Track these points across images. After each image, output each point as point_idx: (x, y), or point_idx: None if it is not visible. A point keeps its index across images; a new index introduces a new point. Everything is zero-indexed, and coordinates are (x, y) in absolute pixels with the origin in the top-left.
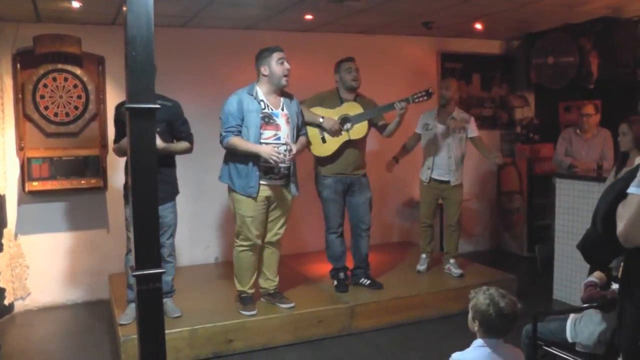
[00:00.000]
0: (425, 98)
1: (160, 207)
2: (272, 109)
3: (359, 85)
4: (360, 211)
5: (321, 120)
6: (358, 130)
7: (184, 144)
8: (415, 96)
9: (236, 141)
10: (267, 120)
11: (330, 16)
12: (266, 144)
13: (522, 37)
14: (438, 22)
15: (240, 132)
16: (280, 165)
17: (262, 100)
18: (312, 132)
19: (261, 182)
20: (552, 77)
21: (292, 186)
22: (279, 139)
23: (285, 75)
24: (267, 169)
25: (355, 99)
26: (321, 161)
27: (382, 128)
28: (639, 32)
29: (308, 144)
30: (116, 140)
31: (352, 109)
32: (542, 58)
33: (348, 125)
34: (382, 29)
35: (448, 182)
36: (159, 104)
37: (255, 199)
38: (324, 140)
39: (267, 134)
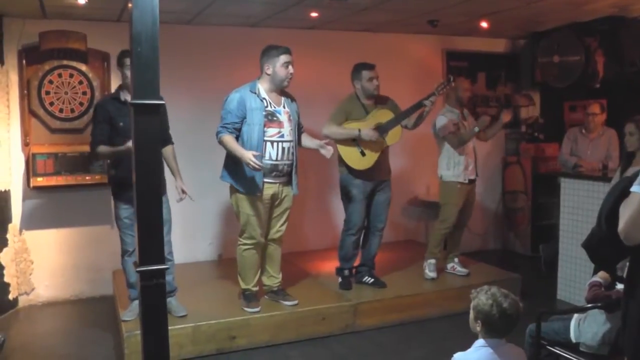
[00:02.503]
0: (448, 88)
1: None
2: (274, 107)
3: (378, 92)
4: (379, 210)
5: (358, 132)
6: (394, 136)
7: (171, 148)
8: (439, 88)
9: (227, 140)
10: (271, 117)
11: (336, 14)
12: (271, 141)
13: (527, 36)
14: (444, 20)
15: (236, 129)
16: (285, 163)
17: (264, 98)
18: (350, 150)
19: (265, 180)
20: (557, 76)
21: (294, 185)
22: (282, 136)
23: (289, 79)
24: (273, 166)
25: (377, 102)
26: (357, 172)
27: (408, 127)
28: None
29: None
30: (99, 142)
31: (383, 116)
32: (547, 57)
33: (384, 134)
34: (387, 27)
35: (474, 180)
36: None
37: (260, 197)
38: (363, 154)
39: (271, 131)
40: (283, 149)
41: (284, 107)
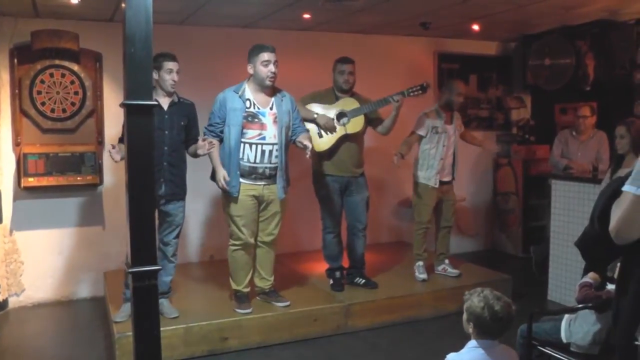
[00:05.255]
0: (420, 92)
1: (172, 204)
2: (258, 108)
3: (349, 87)
4: (357, 211)
5: (315, 116)
6: (354, 125)
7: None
8: (410, 90)
9: None
10: (251, 119)
11: (328, 15)
12: (249, 143)
13: (519, 39)
14: (436, 22)
15: (221, 131)
16: (266, 166)
17: (248, 99)
18: (309, 127)
19: (244, 181)
20: (548, 78)
21: (279, 188)
22: (263, 138)
23: (270, 77)
24: (251, 169)
25: (352, 96)
26: (319, 157)
27: (376, 122)
28: (635, 35)
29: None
30: (121, 139)
31: (349, 104)
32: (538, 60)
33: (345, 119)
34: (380, 29)
35: (449, 182)
36: (182, 101)
37: (239, 198)
38: (320, 135)
39: (251, 133)
40: (263, 151)
41: (271, 108)
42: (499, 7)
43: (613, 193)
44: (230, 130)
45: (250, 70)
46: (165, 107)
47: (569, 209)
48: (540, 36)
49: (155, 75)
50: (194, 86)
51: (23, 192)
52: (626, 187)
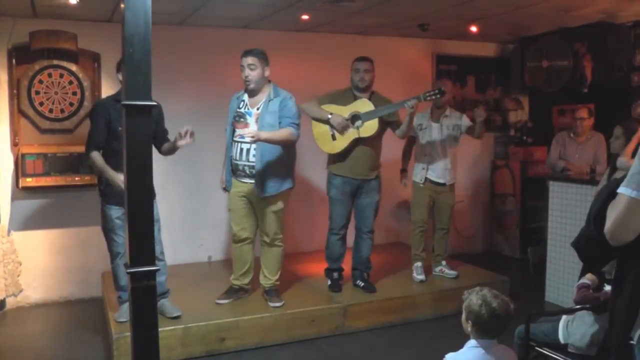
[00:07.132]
0: (438, 96)
1: None
2: (248, 108)
3: (364, 85)
4: (364, 214)
5: (329, 116)
6: (368, 128)
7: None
8: (427, 94)
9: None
10: (238, 119)
11: (327, 17)
12: (235, 142)
13: (517, 41)
14: (434, 24)
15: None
16: (245, 163)
17: (242, 100)
18: (322, 129)
19: (234, 177)
20: (546, 80)
21: (256, 186)
22: (242, 137)
23: (244, 82)
24: (235, 166)
25: (371, 96)
26: (332, 159)
27: (395, 125)
28: (632, 37)
29: (290, 137)
30: (94, 145)
31: (364, 106)
32: (536, 61)
33: (359, 122)
34: (378, 30)
35: (444, 184)
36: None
37: (230, 193)
38: (333, 137)
39: (237, 132)
40: (241, 149)
41: (257, 109)
42: (497, 9)
43: (609, 194)
44: (227, 130)
45: None
46: None
47: (567, 211)
48: (538, 38)
49: (120, 77)
50: (193, 87)
51: (21, 192)
52: (621, 189)
